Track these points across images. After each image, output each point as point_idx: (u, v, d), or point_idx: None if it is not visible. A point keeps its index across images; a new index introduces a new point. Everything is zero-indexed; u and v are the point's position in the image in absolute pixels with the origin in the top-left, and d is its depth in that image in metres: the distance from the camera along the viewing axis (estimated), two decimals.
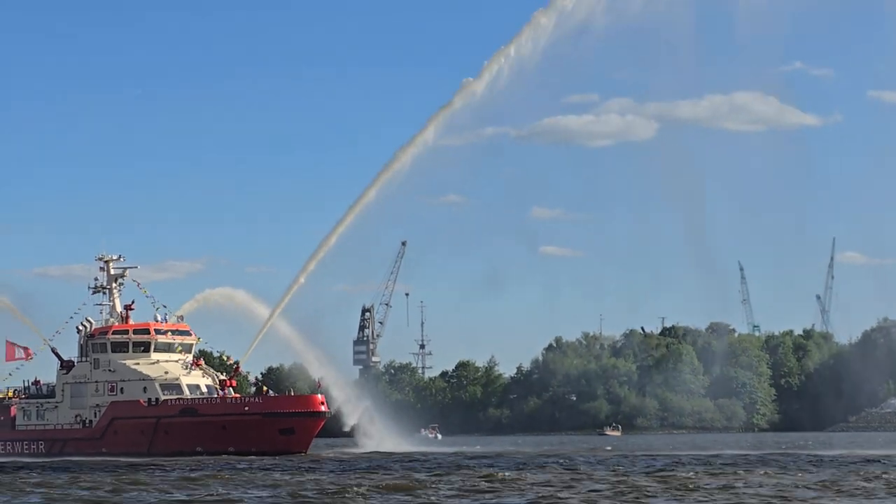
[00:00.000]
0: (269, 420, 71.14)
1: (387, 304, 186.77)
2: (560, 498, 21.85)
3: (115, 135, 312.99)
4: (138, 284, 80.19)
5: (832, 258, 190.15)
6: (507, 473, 40.12)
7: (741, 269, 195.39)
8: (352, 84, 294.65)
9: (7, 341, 79.43)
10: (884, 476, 32.14)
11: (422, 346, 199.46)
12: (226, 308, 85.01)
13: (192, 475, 42.65)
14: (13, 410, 78.27)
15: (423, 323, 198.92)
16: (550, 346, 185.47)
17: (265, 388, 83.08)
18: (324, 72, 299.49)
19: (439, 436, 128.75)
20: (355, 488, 35.75)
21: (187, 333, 77.15)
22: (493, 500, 22.96)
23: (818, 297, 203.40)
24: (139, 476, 42.30)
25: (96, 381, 75.10)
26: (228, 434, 70.10)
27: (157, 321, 77.04)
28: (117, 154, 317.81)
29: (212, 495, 27.65)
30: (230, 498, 25.22)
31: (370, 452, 70.54)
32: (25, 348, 79.54)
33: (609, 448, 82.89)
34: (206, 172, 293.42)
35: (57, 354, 78.55)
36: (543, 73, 67.36)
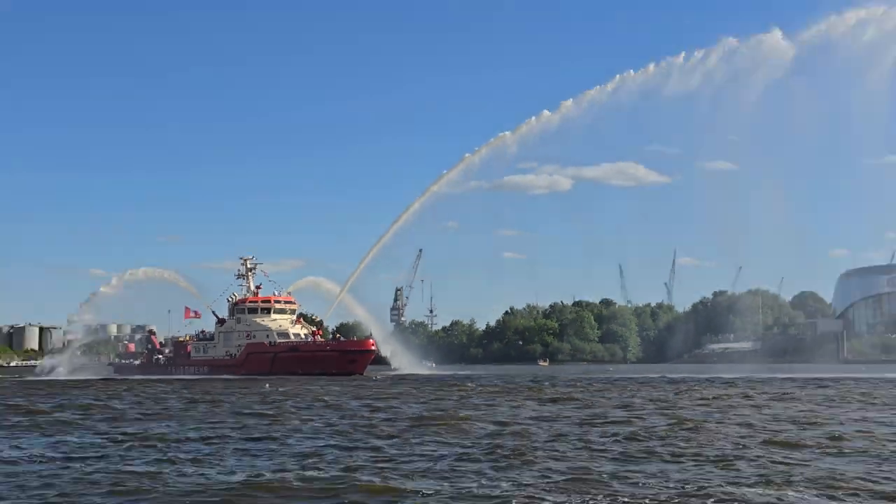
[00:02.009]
0: (341, 354, 71.25)
1: (410, 286, 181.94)
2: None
3: (240, 157, 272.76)
4: (265, 273, 79.97)
5: (674, 262, 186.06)
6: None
7: (621, 269, 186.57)
8: (384, 152, 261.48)
9: (186, 307, 79.36)
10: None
11: (431, 311, 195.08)
12: (315, 289, 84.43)
13: (331, 387, 39.74)
14: (189, 347, 78.25)
15: (431, 298, 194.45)
16: (506, 311, 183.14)
17: (338, 336, 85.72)
18: (367, 142, 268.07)
19: (434, 365, 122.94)
20: (469, 385, 40.96)
21: (293, 303, 77.38)
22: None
23: (665, 284, 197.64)
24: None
25: (238, 331, 75.19)
26: (317, 362, 69.79)
27: (274, 295, 76.90)
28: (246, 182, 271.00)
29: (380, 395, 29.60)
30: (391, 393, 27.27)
31: (402, 375, 71.47)
32: (196, 311, 79.79)
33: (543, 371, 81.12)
34: (312, 193, 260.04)
35: (215, 315, 79.00)
36: (508, 148, 70.96)
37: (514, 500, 7.72)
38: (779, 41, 53.06)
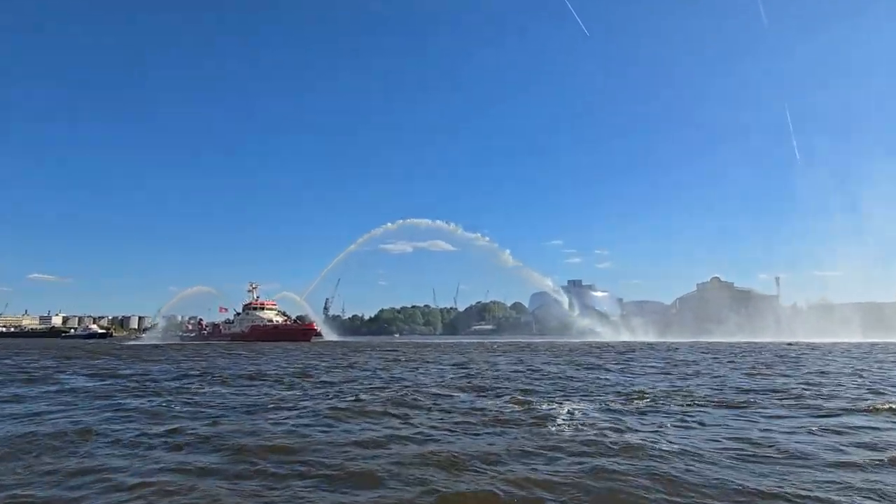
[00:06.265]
0: (299, 330, 79.33)
1: (333, 297, 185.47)
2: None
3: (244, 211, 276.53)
4: (261, 289, 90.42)
5: (458, 288, 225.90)
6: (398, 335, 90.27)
7: (433, 291, 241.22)
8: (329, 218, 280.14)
9: (220, 306, 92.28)
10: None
11: (343, 310, 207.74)
12: (286, 298, 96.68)
13: (305, 350, 48.57)
14: (220, 327, 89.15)
15: (343, 302, 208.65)
16: (380, 309, 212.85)
17: (298, 321, 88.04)
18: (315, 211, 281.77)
19: (338, 337, 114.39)
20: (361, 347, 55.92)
21: (275, 305, 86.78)
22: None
23: (454, 298, 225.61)
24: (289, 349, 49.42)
25: (247, 318, 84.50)
26: (288, 334, 77.92)
27: (265, 301, 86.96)
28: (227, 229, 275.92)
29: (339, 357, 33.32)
30: (356, 362, 26.89)
31: (328, 341, 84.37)
32: (226, 309, 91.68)
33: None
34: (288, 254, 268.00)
35: (235, 311, 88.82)
36: (396, 233, 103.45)
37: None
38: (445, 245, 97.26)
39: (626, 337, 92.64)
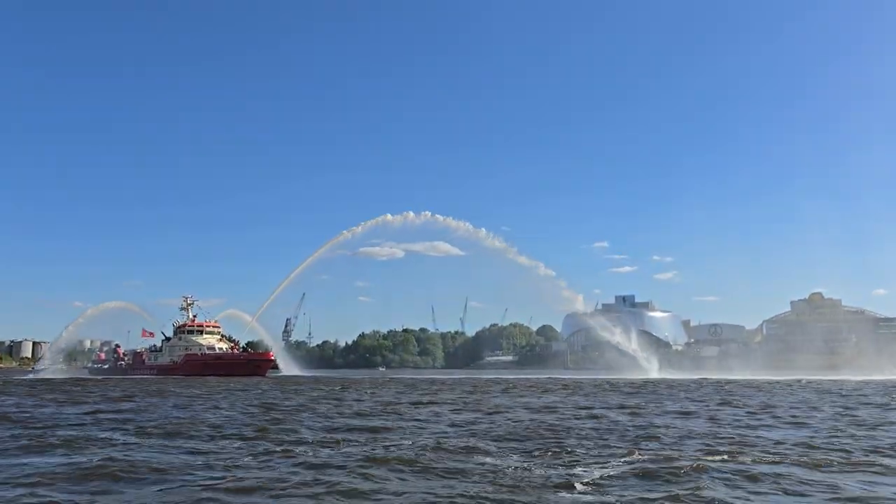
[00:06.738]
0: (250, 361, 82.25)
1: (296, 317, 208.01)
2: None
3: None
4: (200, 307, 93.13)
5: (466, 305, 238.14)
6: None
7: (433, 309, 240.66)
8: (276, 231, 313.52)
9: (143, 329, 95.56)
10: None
11: (309, 335, 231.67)
12: (232, 317, 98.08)
13: (262, 386, 51.92)
14: (143, 357, 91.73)
15: (310, 324, 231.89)
16: (360, 334, 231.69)
17: (248, 349, 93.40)
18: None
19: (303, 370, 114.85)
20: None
21: (218, 327, 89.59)
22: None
23: (460, 318, 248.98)
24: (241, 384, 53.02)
25: (179, 345, 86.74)
26: (235, 366, 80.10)
27: (205, 321, 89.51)
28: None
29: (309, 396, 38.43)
30: (340, 396, 32.68)
31: (289, 375, 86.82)
32: (151, 332, 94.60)
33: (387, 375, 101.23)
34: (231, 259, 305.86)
35: (164, 335, 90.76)
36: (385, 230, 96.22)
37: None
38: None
39: (693, 373, 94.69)
